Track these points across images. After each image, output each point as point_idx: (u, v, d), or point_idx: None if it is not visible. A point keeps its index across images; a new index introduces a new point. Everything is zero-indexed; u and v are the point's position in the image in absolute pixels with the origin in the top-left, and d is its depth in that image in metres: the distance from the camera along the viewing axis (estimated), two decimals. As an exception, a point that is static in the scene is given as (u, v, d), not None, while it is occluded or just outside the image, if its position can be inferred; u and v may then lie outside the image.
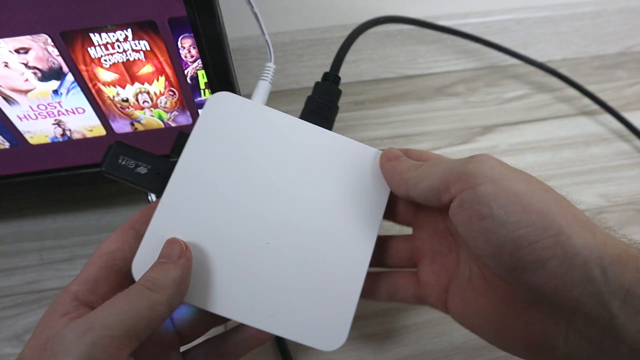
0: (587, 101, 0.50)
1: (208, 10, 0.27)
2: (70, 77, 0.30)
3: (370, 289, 0.28)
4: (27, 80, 0.30)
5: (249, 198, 0.26)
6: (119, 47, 0.29)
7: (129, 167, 0.26)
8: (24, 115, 0.32)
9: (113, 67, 0.30)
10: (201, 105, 0.33)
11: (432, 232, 0.27)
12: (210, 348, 0.28)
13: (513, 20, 0.52)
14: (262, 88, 0.30)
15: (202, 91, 0.32)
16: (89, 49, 0.28)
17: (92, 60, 0.29)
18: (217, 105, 0.27)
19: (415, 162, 0.26)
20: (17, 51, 0.28)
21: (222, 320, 0.29)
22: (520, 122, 0.49)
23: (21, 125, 0.33)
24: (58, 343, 0.20)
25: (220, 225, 0.25)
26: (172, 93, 0.32)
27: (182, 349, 0.28)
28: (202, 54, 0.30)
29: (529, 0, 0.52)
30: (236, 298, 0.25)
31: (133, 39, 0.28)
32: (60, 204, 0.42)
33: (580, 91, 0.50)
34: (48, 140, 0.34)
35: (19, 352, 0.21)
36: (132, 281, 0.23)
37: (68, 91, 0.31)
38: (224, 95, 0.27)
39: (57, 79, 0.30)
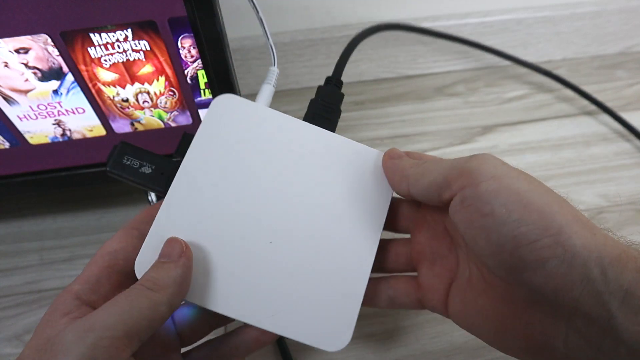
0: (586, 101, 0.50)
1: (208, 10, 0.27)
2: (70, 77, 0.30)
3: (370, 295, 0.28)
4: (27, 80, 0.30)
5: (252, 198, 0.26)
6: (119, 47, 0.29)
7: (133, 167, 0.26)
8: (24, 115, 0.32)
9: (113, 67, 0.30)
10: (201, 105, 0.33)
11: (431, 235, 0.27)
12: (211, 350, 0.27)
13: (513, 20, 0.52)
14: (266, 92, 0.30)
15: (202, 91, 0.32)
16: (89, 49, 0.28)
17: (92, 60, 0.29)
18: (221, 107, 0.27)
19: (417, 160, 0.26)
20: (17, 51, 0.28)
21: (223, 321, 0.29)
22: (520, 122, 0.49)
23: (21, 125, 0.33)
24: (58, 344, 0.20)
25: (224, 225, 0.25)
26: (172, 93, 0.32)
27: (183, 350, 0.28)
28: (202, 54, 0.30)
29: (529, 0, 0.52)
30: (239, 297, 0.25)
31: (133, 39, 0.28)
32: (60, 204, 0.42)
33: (578, 92, 0.50)
34: (48, 140, 0.34)
35: (19, 352, 0.21)
36: (134, 281, 0.23)
37: (68, 91, 0.31)
38: (228, 97, 0.28)
39: (57, 79, 0.30)
